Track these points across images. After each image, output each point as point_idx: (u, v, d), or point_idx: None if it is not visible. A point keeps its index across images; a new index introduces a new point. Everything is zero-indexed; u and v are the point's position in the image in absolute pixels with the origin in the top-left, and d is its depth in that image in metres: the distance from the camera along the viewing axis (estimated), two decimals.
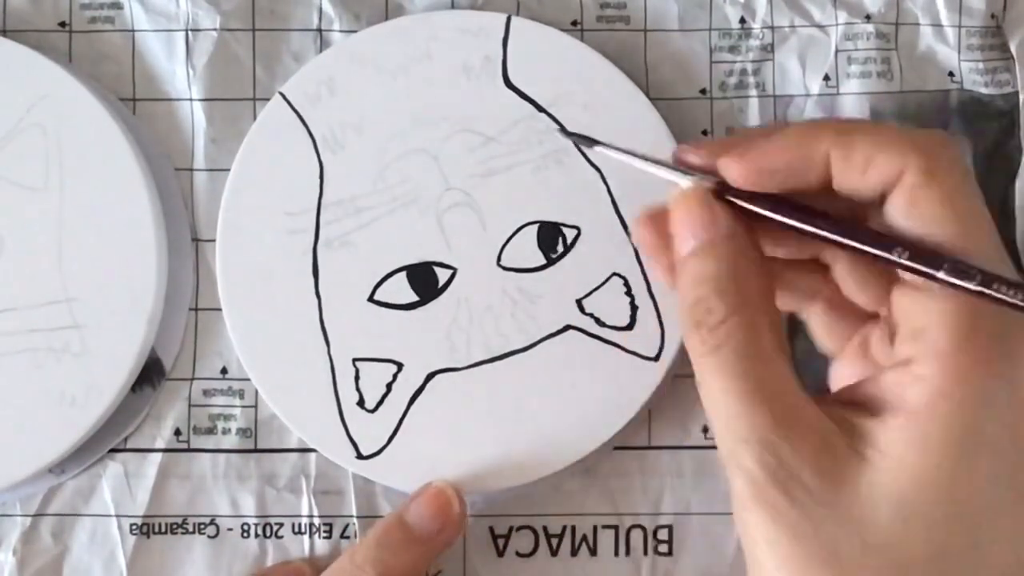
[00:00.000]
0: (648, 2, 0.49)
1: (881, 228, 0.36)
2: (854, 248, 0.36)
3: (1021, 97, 0.48)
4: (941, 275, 0.34)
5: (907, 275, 0.35)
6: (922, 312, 0.35)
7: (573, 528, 0.47)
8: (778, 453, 0.34)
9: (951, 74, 0.48)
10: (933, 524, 0.34)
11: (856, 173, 0.36)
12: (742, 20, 0.49)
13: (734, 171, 0.37)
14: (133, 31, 0.48)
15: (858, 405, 0.36)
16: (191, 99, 0.48)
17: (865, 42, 0.48)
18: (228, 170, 0.47)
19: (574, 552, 0.47)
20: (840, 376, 0.41)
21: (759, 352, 0.35)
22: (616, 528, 0.47)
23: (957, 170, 0.35)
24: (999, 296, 0.33)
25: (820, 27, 0.49)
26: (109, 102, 0.47)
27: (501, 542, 0.47)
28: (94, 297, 0.46)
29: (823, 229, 0.36)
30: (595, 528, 0.47)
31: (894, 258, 0.35)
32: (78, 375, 0.46)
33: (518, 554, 0.47)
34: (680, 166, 0.39)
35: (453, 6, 0.48)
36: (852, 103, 0.48)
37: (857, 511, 0.34)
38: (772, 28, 0.49)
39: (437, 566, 0.47)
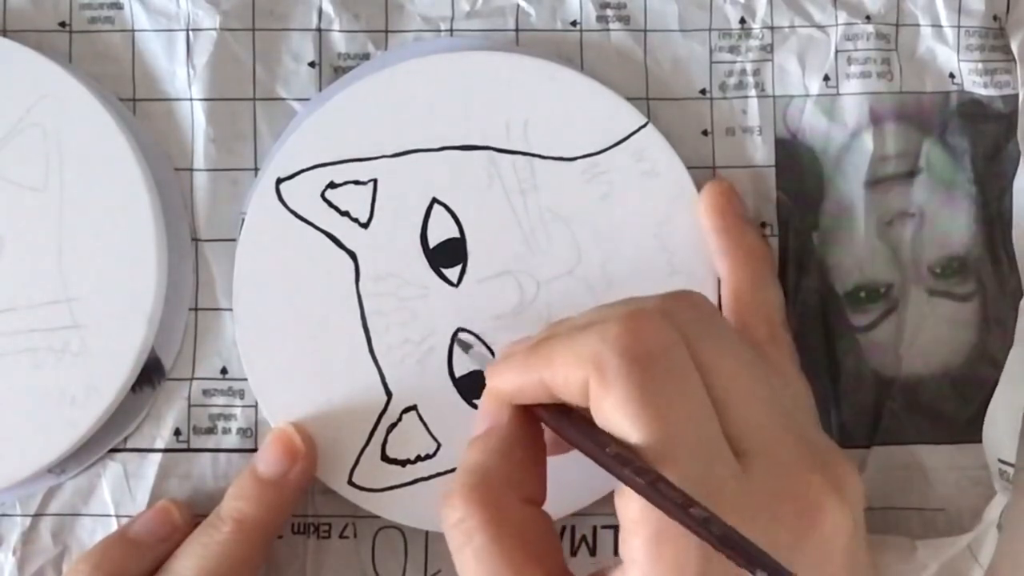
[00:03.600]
0: (648, 2, 0.49)
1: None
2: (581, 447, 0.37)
3: (1021, 98, 0.48)
4: (627, 473, 0.34)
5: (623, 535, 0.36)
6: (627, 517, 0.35)
7: (573, 528, 0.47)
8: None
9: (951, 75, 0.48)
10: None
11: (565, 393, 0.37)
12: (742, 20, 0.49)
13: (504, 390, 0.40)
14: (133, 31, 0.48)
15: None
16: (191, 99, 0.48)
17: (865, 43, 0.48)
18: (228, 170, 0.48)
19: (573, 552, 0.47)
20: None
21: (501, 557, 0.36)
22: (616, 528, 0.47)
23: (630, 375, 0.35)
24: (661, 499, 0.33)
25: (820, 27, 0.48)
26: (109, 102, 0.47)
27: None
28: (94, 297, 0.46)
29: (567, 432, 0.38)
30: (595, 528, 0.47)
31: (602, 459, 0.36)
32: (78, 375, 0.46)
33: None
34: None
35: (453, 7, 0.48)
36: (852, 103, 0.48)
37: None
38: (772, 28, 0.49)
39: (436, 566, 0.47)
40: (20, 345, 0.46)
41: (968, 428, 0.47)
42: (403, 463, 0.46)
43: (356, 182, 0.47)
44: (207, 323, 0.48)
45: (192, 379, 0.47)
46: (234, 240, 0.47)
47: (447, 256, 0.47)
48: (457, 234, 0.47)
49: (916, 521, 0.47)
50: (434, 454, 0.46)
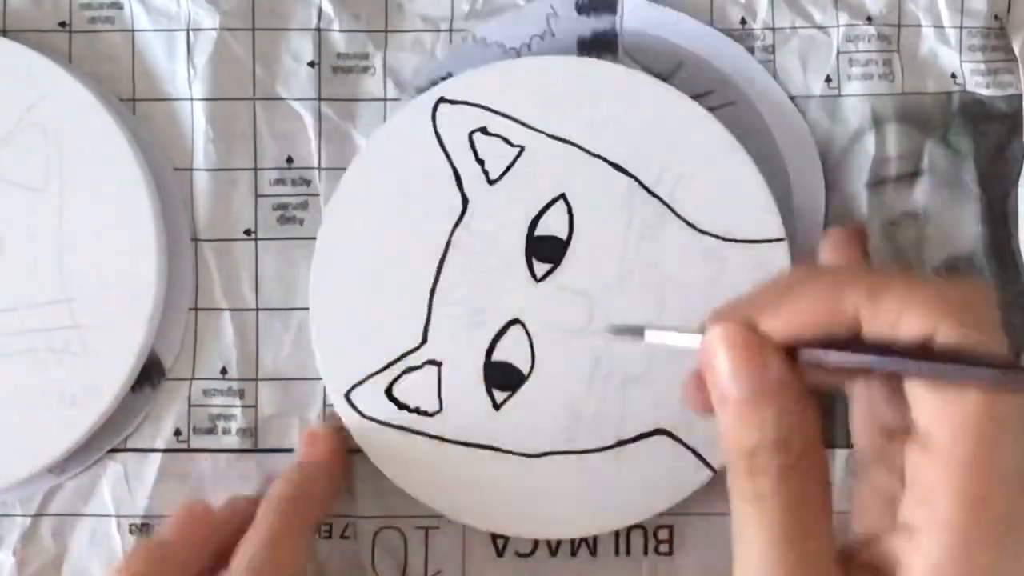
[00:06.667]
0: None
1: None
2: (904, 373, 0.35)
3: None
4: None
5: (920, 437, 0.35)
6: (933, 478, 0.34)
7: None
8: None
9: (953, 76, 0.48)
10: None
11: (886, 328, 0.35)
12: (743, 21, 0.49)
13: (773, 331, 0.37)
14: (133, 31, 0.48)
15: (875, 570, 0.35)
16: (191, 99, 0.48)
17: (866, 44, 0.48)
18: (228, 170, 0.48)
19: (574, 552, 0.47)
20: (862, 492, 0.40)
21: (807, 516, 0.35)
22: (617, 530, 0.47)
23: (990, 323, 0.35)
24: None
25: (821, 28, 0.48)
26: (109, 102, 0.47)
27: (500, 542, 0.47)
28: (94, 297, 0.46)
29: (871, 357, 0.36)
30: None
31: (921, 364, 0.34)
32: (78, 375, 0.46)
33: (517, 554, 0.47)
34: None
35: (452, 7, 0.48)
36: (854, 104, 0.48)
37: None
38: (773, 29, 0.49)
39: (436, 566, 0.47)
40: (20, 345, 0.46)
41: None
42: (402, 407, 0.46)
43: (507, 140, 0.47)
44: (207, 323, 0.47)
45: (192, 379, 0.47)
46: (233, 240, 0.47)
47: (545, 251, 0.47)
48: (565, 237, 0.47)
49: None
50: (432, 415, 0.46)
